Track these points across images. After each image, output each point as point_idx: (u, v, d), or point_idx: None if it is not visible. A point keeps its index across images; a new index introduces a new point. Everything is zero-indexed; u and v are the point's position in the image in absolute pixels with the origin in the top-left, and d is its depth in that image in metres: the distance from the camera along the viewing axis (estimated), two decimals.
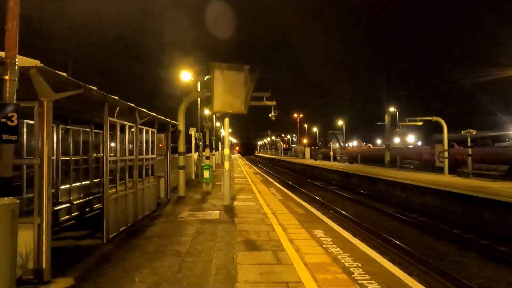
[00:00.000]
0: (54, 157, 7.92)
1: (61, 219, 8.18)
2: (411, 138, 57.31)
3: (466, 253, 8.86)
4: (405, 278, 4.81)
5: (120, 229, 7.24)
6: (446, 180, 17.71)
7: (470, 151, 20.09)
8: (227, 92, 9.91)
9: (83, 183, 9.53)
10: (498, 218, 11.26)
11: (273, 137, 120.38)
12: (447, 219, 12.30)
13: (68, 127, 8.85)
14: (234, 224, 8.19)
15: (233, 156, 70.30)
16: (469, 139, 20.30)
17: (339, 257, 5.66)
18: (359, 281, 4.63)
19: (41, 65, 4.12)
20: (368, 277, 4.77)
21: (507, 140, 39.22)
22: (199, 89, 16.89)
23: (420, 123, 25.45)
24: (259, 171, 30.22)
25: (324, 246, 6.30)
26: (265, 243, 6.52)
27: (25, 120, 6.70)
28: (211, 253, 5.90)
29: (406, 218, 12.65)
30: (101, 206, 9.37)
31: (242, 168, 33.92)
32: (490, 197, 11.71)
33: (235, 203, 11.30)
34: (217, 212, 9.74)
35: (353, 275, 4.85)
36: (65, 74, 4.67)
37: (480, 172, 18.67)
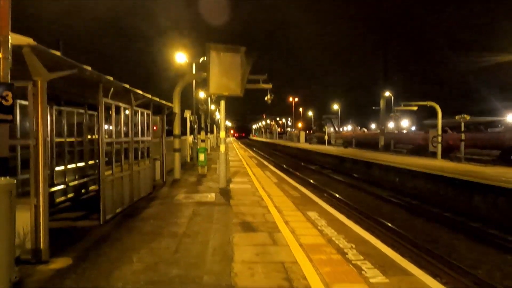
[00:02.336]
0: (48, 139, 7.85)
1: (57, 200, 8.18)
2: (405, 123, 57.65)
3: (456, 236, 9.09)
4: (398, 259, 4.93)
5: (117, 211, 7.27)
6: (438, 164, 17.94)
7: (463, 136, 20.29)
8: (223, 74, 9.81)
9: (78, 165, 9.49)
10: (488, 202, 11.50)
11: (268, 121, 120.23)
12: (439, 203, 12.53)
13: (62, 108, 8.73)
14: (230, 206, 8.27)
15: (227, 139, 70.27)
16: (462, 124, 20.46)
17: (333, 238, 5.77)
18: (353, 262, 4.74)
19: (34, 43, 4.03)
20: (361, 258, 4.89)
21: (500, 125, 39.59)
22: (194, 71, 16.69)
23: (415, 108, 25.57)
24: (254, 155, 30.31)
25: (319, 228, 6.41)
26: (261, 225, 6.61)
27: (18, 101, 6.60)
28: (207, 234, 5.97)
29: (399, 202, 12.87)
30: (96, 188, 9.40)
31: (237, 151, 33.98)
32: (481, 181, 11.92)
33: (231, 185, 11.38)
34: (213, 194, 9.81)
35: (347, 256, 4.95)
36: (59, 53, 4.57)
37: (473, 157, 18.91)
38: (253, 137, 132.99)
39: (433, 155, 22.52)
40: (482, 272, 6.83)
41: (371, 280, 4.14)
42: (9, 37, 3.42)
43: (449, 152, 22.38)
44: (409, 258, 6.41)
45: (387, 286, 3.99)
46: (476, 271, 6.72)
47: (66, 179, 8.87)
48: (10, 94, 3.13)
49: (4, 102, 3.08)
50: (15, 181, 3.05)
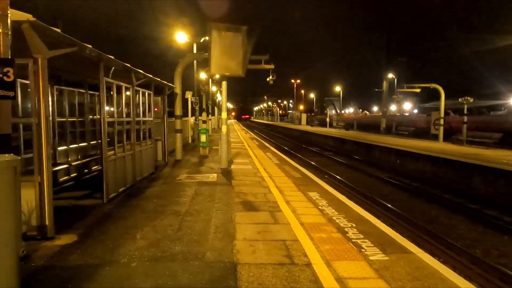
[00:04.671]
0: (50, 118, 7.84)
1: (60, 179, 8.26)
2: (407, 106, 57.27)
3: (455, 217, 9.19)
4: (397, 238, 5.01)
5: (120, 190, 7.35)
6: (440, 147, 17.95)
7: (465, 118, 20.20)
8: (225, 54, 9.68)
9: (80, 145, 9.53)
10: (488, 183, 11.57)
11: (270, 103, 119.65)
12: (439, 185, 12.61)
13: (63, 87, 8.69)
14: (231, 186, 8.34)
15: (229, 121, 70.17)
16: (465, 106, 20.33)
17: (334, 218, 5.84)
18: (353, 240, 4.82)
19: (34, 19, 3.97)
20: (361, 236, 4.96)
21: (503, 108, 39.35)
22: (195, 51, 16.48)
23: (418, 90, 25.35)
24: (255, 136, 30.33)
25: (320, 207, 6.48)
26: (262, 204, 6.68)
27: (19, 80, 6.56)
28: (209, 213, 6.05)
29: (399, 183, 12.96)
30: (99, 167, 9.47)
31: (239, 133, 33.98)
32: (481, 163, 11.95)
33: (232, 166, 11.44)
34: (215, 174, 9.87)
35: (347, 235, 5.03)
36: (59, 30, 4.51)
37: (474, 139, 18.91)
38: (254, 119, 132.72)
39: (435, 137, 22.49)
40: (479, 251, 6.95)
41: (371, 258, 4.23)
42: (8, 12, 3.36)
43: (451, 135, 22.35)
44: (408, 237, 6.51)
45: (386, 263, 4.07)
46: (473, 251, 6.84)
47: (69, 159, 8.92)
48: (11, 70, 3.10)
49: (5, 78, 3.06)
50: (19, 158, 3.07)
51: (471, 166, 12.35)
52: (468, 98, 19.65)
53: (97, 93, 9.40)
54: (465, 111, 20.60)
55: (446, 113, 24.10)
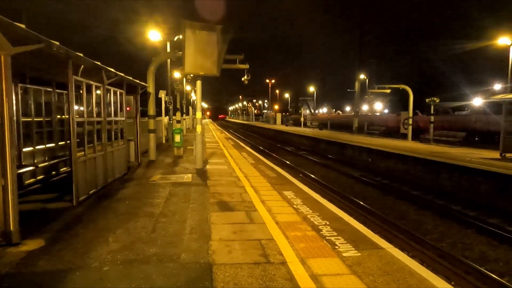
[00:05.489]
0: (14, 118, 7.47)
1: (26, 182, 7.89)
2: (378, 106, 59.00)
3: (423, 212, 9.58)
4: (369, 234, 5.16)
5: (90, 192, 7.11)
6: (409, 145, 18.64)
7: (432, 118, 21.08)
8: (199, 53, 9.59)
9: (47, 146, 9.13)
10: (453, 180, 12.14)
11: (245, 102, 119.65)
12: (408, 182, 13.10)
13: (28, 86, 8.29)
14: (207, 186, 8.28)
15: (204, 121, 69.45)
16: (432, 107, 21.20)
17: (308, 216, 5.94)
18: (327, 237, 4.92)
19: None
20: (335, 234, 5.08)
21: (466, 109, 41.33)
22: (169, 50, 16.21)
23: (388, 91, 26.21)
24: (231, 136, 30.25)
25: (295, 206, 6.57)
26: (238, 204, 6.68)
27: None
28: (184, 214, 5.98)
29: (370, 181, 13.34)
30: (68, 169, 9.13)
31: (214, 133, 33.76)
32: (447, 161, 12.53)
33: (207, 166, 11.35)
34: (190, 175, 9.76)
35: (321, 232, 5.13)
36: (23, 26, 4.30)
37: (441, 138, 19.77)
38: (230, 119, 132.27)
39: (404, 136, 23.36)
40: (446, 245, 7.29)
41: (344, 254, 4.33)
42: None
43: (419, 134, 23.26)
44: (379, 233, 6.73)
45: (358, 259, 4.19)
46: (440, 245, 7.16)
47: (35, 160, 8.53)
48: None
49: None
50: None
51: (437, 163, 12.92)
52: (435, 98, 20.52)
53: (66, 91, 9.06)
54: (432, 111, 21.50)
55: (414, 113, 25.08)
